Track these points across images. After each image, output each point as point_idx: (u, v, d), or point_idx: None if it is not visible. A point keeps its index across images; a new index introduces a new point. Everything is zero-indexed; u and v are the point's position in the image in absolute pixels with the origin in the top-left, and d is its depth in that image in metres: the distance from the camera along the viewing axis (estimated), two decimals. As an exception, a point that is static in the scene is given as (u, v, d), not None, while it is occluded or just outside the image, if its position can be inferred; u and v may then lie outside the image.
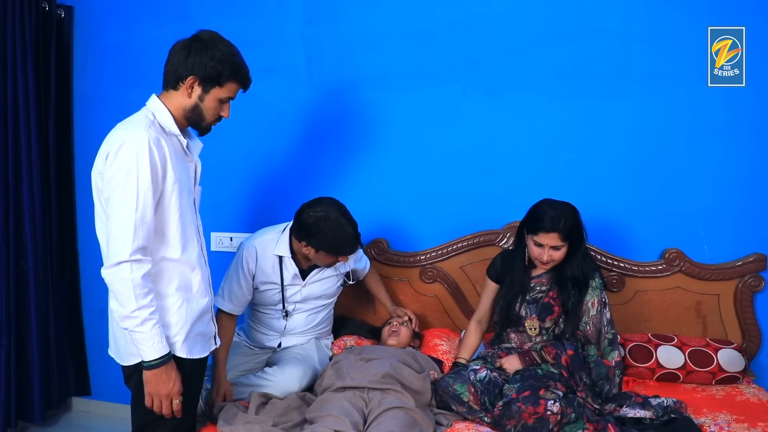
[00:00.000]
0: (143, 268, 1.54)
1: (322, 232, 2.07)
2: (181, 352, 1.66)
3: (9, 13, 2.59)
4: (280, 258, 2.22)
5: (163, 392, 1.61)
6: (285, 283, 2.24)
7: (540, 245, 2.07)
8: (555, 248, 2.06)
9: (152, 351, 1.56)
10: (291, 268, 2.23)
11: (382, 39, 2.61)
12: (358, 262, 2.44)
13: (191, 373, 1.70)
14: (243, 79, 1.70)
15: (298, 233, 2.14)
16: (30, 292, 2.74)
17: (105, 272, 1.55)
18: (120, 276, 1.52)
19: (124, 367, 1.71)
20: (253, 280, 2.23)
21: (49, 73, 2.83)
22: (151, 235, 1.58)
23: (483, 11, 2.52)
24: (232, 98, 1.71)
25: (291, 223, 2.22)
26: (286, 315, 2.29)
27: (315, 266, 2.27)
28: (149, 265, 1.56)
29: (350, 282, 2.38)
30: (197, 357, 1.71)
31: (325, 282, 2.31)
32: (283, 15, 2.71)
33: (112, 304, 1.57)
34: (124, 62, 2.88)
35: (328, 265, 2.24)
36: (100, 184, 1.60)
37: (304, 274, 2.26)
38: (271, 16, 2.72)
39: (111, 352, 1.76)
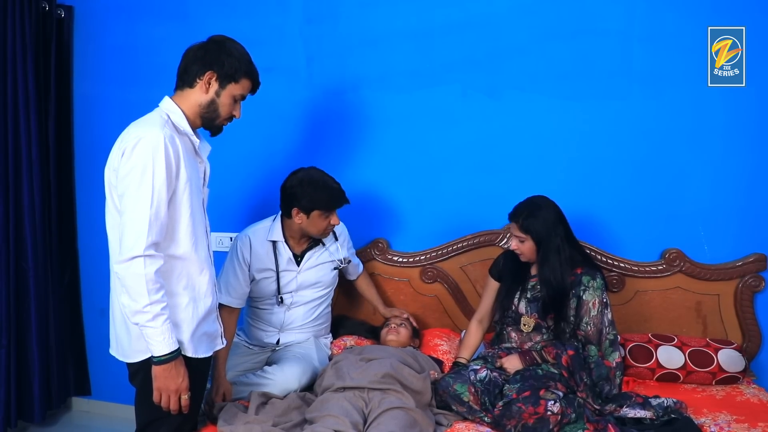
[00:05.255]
0: (156, 264, 1.56)
1: (309, 189, 2.15)
2: (188, 351, 1.67)
3: (9, 13, 2.59)
4: (274, 244, 2.27)
5: (172, 387, 1.62)
6: (280, 269, 2.27)
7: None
8: (519, 240, 2.10)
9: (163, 346, 1.57)
10: (285, 252, 2.28)
11: (382, 39, 2.62)
12: (351, 252, 2.49)
13: (196, 372, 1.71)
14: (255, 78, 1.77)
15: (287, 203, 2.20)
16: (30, 292, 2.74)
17: (118, 267, 1.55)
18: (133, 271, 1.53)
19: (129, 365, 1.72)
20: (249, 270, 2.26)
21: (49, 73, 2.83)
22: (164, 232, 1.60)
23: (483, 11, 2.52)
24: (244, 97, 1.77)
25: (280, 212, 2.28)
26: (281, 301, 2.29)
27: (308, 250, 2.31)
28: (162, 261, 1.58)
29: (344, 265, 2.40)
30: (202, 356, 1.72)
31: (320, 269, 2.33)
32: (283, 15, 2.71)
33: (124, 299, 1.57)
34: (125, 62, 2.87)
35: (322, 233, 2.25)
36: (114, 180, 1.62)
37: (298, 260, 2.30)
38: (271, 16, 2.72)
39: (113, 351, 1.76)
